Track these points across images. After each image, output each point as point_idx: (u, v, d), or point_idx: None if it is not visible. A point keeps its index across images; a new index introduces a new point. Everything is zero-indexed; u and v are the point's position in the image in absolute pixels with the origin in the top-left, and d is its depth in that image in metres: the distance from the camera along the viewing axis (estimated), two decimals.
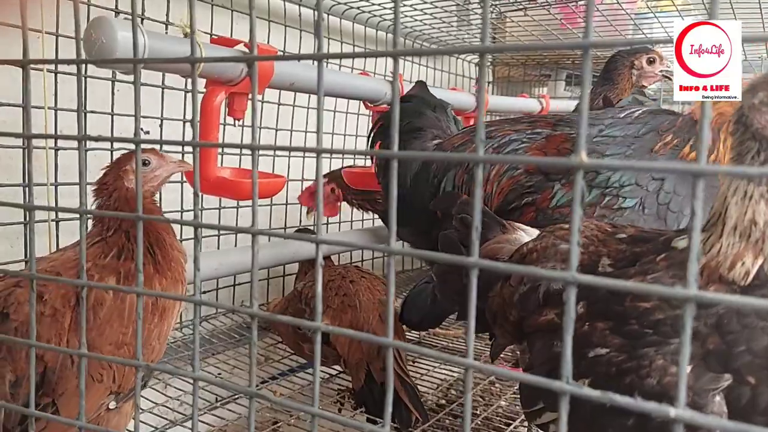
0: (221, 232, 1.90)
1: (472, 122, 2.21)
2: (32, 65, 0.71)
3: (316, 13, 2.04)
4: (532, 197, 1.30)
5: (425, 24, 2.47)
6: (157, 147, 1.16)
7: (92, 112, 1.53)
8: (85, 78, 1.43)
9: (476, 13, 2.39)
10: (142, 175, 1.13)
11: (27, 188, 0.66)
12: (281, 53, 1.26)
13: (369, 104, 1.65)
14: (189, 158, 1.43)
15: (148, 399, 1.51)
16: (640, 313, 0.78)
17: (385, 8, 2.18)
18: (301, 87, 1.37)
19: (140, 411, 1.42)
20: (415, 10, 2.27)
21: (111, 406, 1.07)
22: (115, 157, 1.22)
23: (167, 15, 1.65)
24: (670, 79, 2.04)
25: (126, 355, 1.07)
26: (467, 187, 1.39)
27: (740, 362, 0.73)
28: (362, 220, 2.45)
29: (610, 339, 0.79)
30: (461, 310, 1.25)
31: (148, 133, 1.76)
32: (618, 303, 0.80)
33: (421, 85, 1.76)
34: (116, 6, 1.51)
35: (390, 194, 0.52)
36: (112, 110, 1.56)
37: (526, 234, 1.09)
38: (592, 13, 0.49)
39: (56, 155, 1.41)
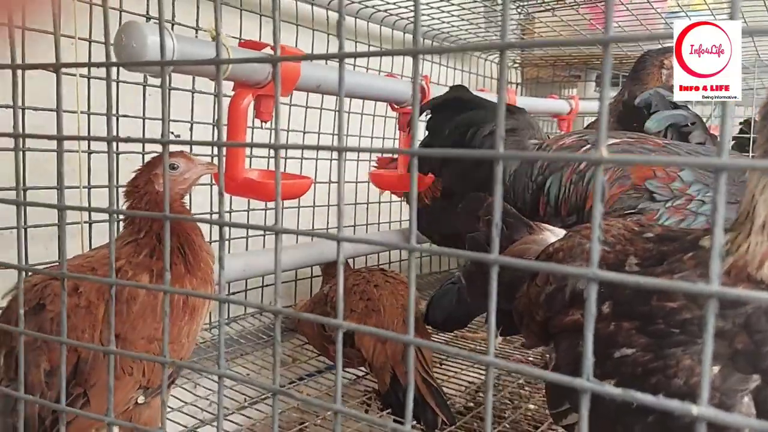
0: (249, 234, 1.92)
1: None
2: (64, 69, 0.73)
3: (336, 14, 2.07)
4: (637, 217, 1.30)
5: (451, 26, 2.47)
6: (186, 148, 1.19)
7: (124, 116, 1.56)
8: (117, 83, 1.46)
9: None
10: (170, 178, 1.16)
11: (59, 190, 0.68)
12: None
13: (396, 106, 1.65)
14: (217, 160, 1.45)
15: (177, 398, 1.53)
16: (666, 313, 0.77)
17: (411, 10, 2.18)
18: (327, 89, 1.38)
19: (169, 410, 1.44)
20: (442, 11, 2.27)
21: (140, 401, 1.09)
22: (146, 160, 1.25)
23: (197, 21, 1.68)
24: None
25: (157, 350, 1.09)
26: (575, 187, 1.40)
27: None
28: (399, 221, 2.48)
29: (636, 339, 0.78)
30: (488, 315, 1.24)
31: (179, 136, 1.79)
32: (644, 303, 0.79)
33: (461, 88, 1.75)
34: (147, 12, 1.54)
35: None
36: (144, 114, 1.59)
37: (553, 234, 1.08)
38: (612, 7, 0.48)
39: (89, 158, 1.44)
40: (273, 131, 1.74)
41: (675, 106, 1.83)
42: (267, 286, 2.09)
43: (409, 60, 2.37)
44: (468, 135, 1.58)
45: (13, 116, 0.77)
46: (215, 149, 1.64)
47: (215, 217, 1.60)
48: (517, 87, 3.44)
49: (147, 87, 1.59)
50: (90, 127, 1.43)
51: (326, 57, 0.59)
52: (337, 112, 2.04)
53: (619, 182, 1.34)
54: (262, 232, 2.00)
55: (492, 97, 2.07)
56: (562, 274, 0.94)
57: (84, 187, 1.43)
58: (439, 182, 1.74)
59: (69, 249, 1.48)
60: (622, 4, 2.15)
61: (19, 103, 0.82)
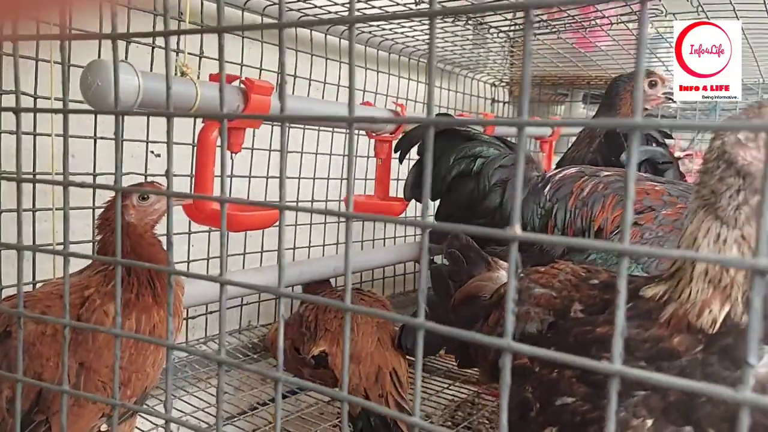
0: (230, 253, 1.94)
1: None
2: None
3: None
4: (637, 219, 1.47)
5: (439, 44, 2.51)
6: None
7: (102, 138, 1.58)
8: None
9: (493, 40, 2.41)
10: (141, 208, 1.18)
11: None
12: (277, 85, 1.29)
13: (372, 133, 1.68)
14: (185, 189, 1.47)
15: (149, 420, 1.55)
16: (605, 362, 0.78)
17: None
18: (298, 117, 1.40)
19: None
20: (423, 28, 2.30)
21: (102, 429, 1.11)
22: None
23: (200, 49, 1.71)
24: (673, 101, 2.04)
25: (122, 377, 1.11)
26: (579, 212, 1.55)
27: (701, 413, 0.73)
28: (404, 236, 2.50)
29: (576, 388, 0.80)
30: (448, 346, 1.26)
31: (159, 156, 1.81)
32: (584, 352, 0.80)
33: (447, 116, 1.81)
34: (153, 41, 1.58)
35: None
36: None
37: (519, 229, 1.10)
38: None
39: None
40: (244, 159, 1.78)
41: (656, 142, 1.89)
42: (246, 304, 2.11)
43: (389, 80, 2.39)
44: (476, 165, 1.70)
45: None
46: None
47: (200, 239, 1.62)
48: (505, 105, 3.46)
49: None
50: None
51: (335, 22, 0.59)
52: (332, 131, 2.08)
53: (620, 205, 1.51)
54: (241, 251, 2.03)
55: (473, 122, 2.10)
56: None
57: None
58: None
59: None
60: (604, 31, 2.18)
61: None
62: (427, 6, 0.53)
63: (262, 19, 1.96)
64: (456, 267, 1.18)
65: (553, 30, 2.19)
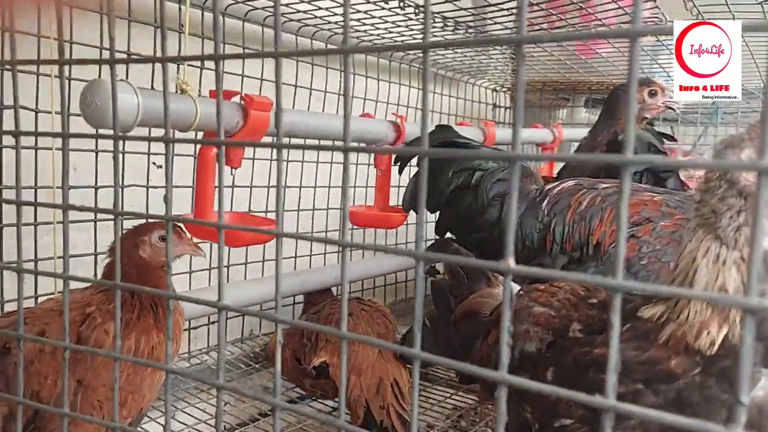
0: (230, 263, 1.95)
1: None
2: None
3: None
4: (635, 231, 1.47)
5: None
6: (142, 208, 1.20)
7: (103, 151, 1.59)
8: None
9: (494, 47, 2.41)
10: (156, 249, 1.20)
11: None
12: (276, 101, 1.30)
13: (373, 145, 1.68)
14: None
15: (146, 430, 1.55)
16: (602, 385, 0.78)
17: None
18: (296, 132, 1.41)
19: None
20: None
21: None
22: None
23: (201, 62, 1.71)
24: (674, 110, 2.04)
25: (119, 397, 1.11)
26: (577, 226, 1.55)
27: None
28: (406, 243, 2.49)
29: (574, 410, 0.80)
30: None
31: (160, 167, 1.82)
32: (582, 373, 0.81)
33: (447, 128, 1.80)
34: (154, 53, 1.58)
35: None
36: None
37: (512, 262, 1.10)
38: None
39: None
40: (245, 172, 1.78)
41: (657, 151, 1.89)
42: (248, 314, 2.11)
43: (389, 87, 2.39)
44: (474, 179, 1.69)
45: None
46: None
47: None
48: (506, 111, 3.46)
49: None
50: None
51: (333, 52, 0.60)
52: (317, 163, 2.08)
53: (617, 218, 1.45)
54: (243, 260, 2.04)
55: (474, 130, 2.10)
56: (512, 334, 0.96)
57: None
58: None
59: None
60: (609, 42, 2.18)
61: None
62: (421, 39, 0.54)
63: (263, 30, 1.97)
64: (456, 282, 1.18)
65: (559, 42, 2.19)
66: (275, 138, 0.62)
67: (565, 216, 1.56)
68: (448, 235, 1.72)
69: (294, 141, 1.56)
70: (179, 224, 1.20)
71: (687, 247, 0.83)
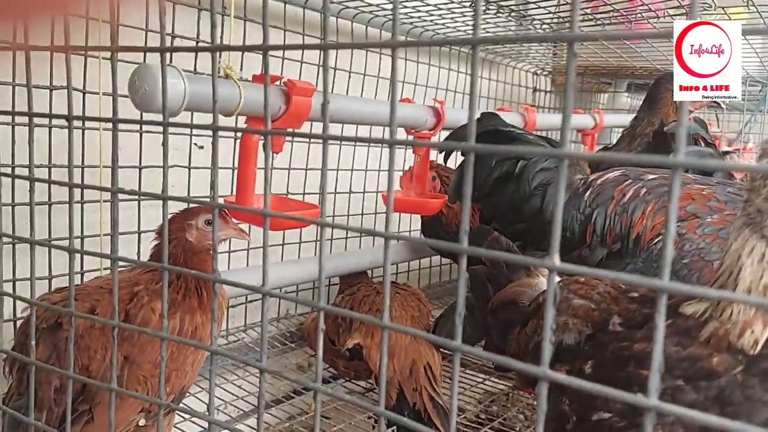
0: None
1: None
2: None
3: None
4: (679, 228, 1.43)
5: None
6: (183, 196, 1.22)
7: (148, 132, 1.62)
8: None
9: (536, 31, 2.37)
10: (203, 233, 1.23)
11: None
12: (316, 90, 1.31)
13: (411, 130, 1.67)
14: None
15: (188, 406, 1.60)
16: (642, 380, 0.78)
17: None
18: (338, 118, 1.41)
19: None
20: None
21: (141, 423, 1.15)
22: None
23: (243, 42, 1.73)
24: (718, 105, 1.99)
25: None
26: (619, 218, 1.53)
27: None
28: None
29: (612, 404, 0.80)
30: (485, 347, 1.27)
31: (202, 148, 1.85)
32: (621, 368, 0.81)
33: (494, 115, 1.79)
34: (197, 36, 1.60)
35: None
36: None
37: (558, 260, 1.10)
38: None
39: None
40: (283, 159, 1.80)
41: (705, 142, 1.85)
42: (284, 294, 2.15)
43: (429, 70, 2.38)
44: (518, 168, 1.67)
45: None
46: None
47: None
48: (547, 95, 3.41)
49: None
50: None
51: (379, 46, 0.60)
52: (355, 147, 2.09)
53: (660, 212, 1.47)
54: (280, 242, 2.07)
55: (514, 116, 2.08)
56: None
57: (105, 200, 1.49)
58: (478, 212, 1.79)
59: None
60: (651, 24, 2.12)
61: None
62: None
63: (304, 12, 1.97)
64: (495, 271, 1.18)
65: (598, 23, 2.15)
66: (321, 128, 0.62)
67: (607, 207, 1.54)
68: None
69: (334, 126, 1.56)
70: (225, 211, 1.23)
71: (732, 246, 0.82)
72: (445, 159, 1.82)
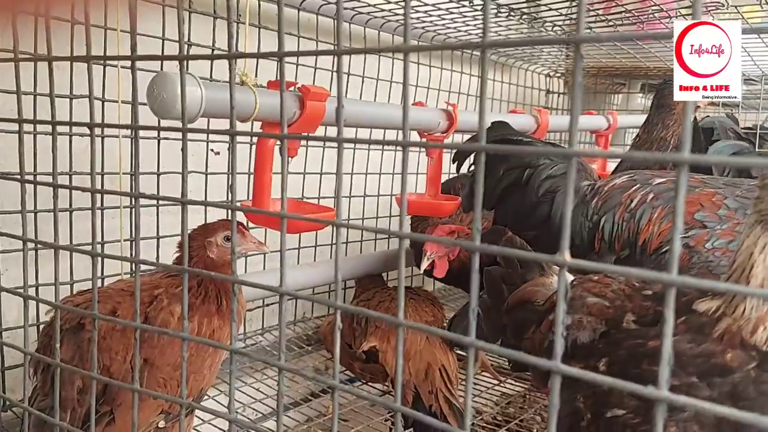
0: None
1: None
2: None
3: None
4: (688, 240, 1.40)
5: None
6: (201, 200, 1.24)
7: (165, 139, 1.65)
8: None
9: (548, 33, 2.38)
10: (223, 248, 1.25)
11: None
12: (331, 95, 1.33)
13: (424, 133, 1.69)
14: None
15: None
16: (655, 377, 0.79)
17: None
18: (352, 122, 1.43)
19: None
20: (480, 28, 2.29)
21: (161, 425, 1.17)
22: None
23: (258, 48, 1.76)
24: (716, 104, 1.99)
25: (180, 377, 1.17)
26: (627, 224, 1.51)
27: (754, 430, 0.73)
28: None
29: (627, 401, 0.81)
30: (502, 346, 1.27)
31: (218, 154, 1.87)
32: (635, 366, 0.81)
33: (504, 125, 1.79)
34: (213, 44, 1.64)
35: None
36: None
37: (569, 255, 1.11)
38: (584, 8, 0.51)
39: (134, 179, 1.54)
40: (298, 163, 1.82)
41: (738, 137, 1.84)
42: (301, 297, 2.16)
43: (441, 74, 2.39)
44: (525, 176, 1.67)
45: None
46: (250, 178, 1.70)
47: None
48: (560, 97, 3.42)
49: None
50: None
51: (389, 50, 0.62)
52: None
53: (667, 218, 1.45)
54: (296, 245, 2.09)
55: (527, 118, 2.09)
56: (566, 324, 0.97)
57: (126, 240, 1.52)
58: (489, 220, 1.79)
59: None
60: (663, 24, 2.12)
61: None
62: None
63: (317, 18, 1.99)
64: (509, 270, 1.19)
65: (610, 24, 2.15)
66: (336, 132, 0.64)
67: (615, 214, 1.52)
68: None
69: (346, 128, 1.58)
70: (243, 224, 1.24)
71: (744, 243, 0.82)
72: (458, 168, 1.83)
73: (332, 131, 1.95)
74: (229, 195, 0.71)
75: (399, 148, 0.61)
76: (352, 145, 2.15)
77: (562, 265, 0.56)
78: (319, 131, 1.36)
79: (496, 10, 2.03)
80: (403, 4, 1.95)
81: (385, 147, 2.30)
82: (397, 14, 2.06)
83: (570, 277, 1.08)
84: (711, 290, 0.81)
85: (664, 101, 2.00)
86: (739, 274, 0.81)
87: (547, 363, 0.58)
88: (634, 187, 1.56)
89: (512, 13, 2.04)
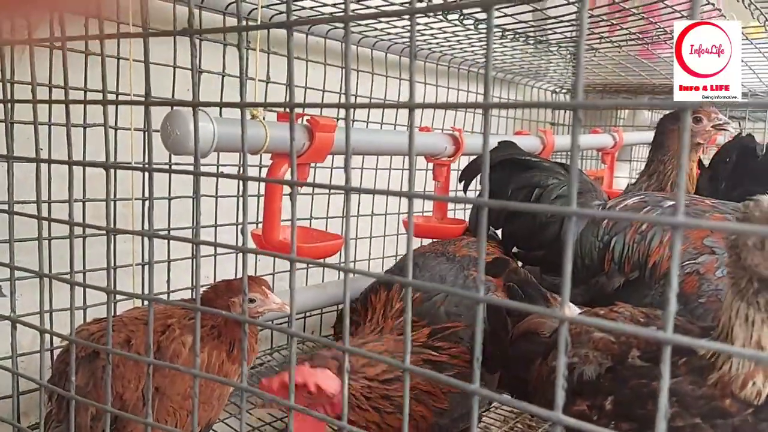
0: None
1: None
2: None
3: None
4: (698, 267, 1.40)
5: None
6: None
7: (177, 163, 1.68)
8: None
9: (554, 53, 2.40)
10: (238, 307, 1.27)
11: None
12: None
13: (431, 157, 1.71)
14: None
15: None
16: None
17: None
18: (359, 150, 1.46)
19: None
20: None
21: None
22: None
23: (267, 75, 1.80)
24: (726, 129, 1.99)
25: (191, 406, 1.19)
26: (637, 246, 1.52)
27: None
28: None
29: None
30: (503, 380, 1.29)
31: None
32: (641, 406, 0.83)
33: (511, 144, 1.81)
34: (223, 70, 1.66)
35: None
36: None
37: (569, 310, 1.12)
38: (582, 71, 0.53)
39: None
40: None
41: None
42: (309, 316, 2.18)
43: (448, 93, 2.41)
44: (533, 196, 1.68)
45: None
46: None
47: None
48: (566, 113, 3.43)
49: None
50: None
51: (396, 108, 0.64)
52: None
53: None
54: (304, 266, 2.10)
55: (533, 139, 2.11)
56: (569, 360, 0.98)
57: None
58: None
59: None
60: (668, 44, 2.14)
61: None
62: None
63: (325, 42, 2.02)
64: (514, 300, 1.21)
65: (615, 45, 2.17)
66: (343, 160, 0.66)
67: (626, 235, 1.53)
68: (514, 249, 1.74)
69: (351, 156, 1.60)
70: (266, 282, 1.27)
71: (725, 302, 0.84)
72: (465, 188, 1.85)
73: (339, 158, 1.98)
74: (240, 238, 0.74)
75: (407, 166, 0.63)
76: (358, 164, 2.17)
77: (562, 320, 0.57)
78: (328, 159, 1.38)
79: (501, 33, 2.05)
80: (409, 27, 1.98)
81: (393, 167, 2.32)
82: (403, 37, 2.08)
83: (577, 310, 1.09)
84: (702, 347, 0.82)
85: (659, 140, 2.00)
86: (724, 335, 0.83)
87: (549, 413, 0.59)
88: (645, 209, 1.56)
89: (518, 36, 2.06)
